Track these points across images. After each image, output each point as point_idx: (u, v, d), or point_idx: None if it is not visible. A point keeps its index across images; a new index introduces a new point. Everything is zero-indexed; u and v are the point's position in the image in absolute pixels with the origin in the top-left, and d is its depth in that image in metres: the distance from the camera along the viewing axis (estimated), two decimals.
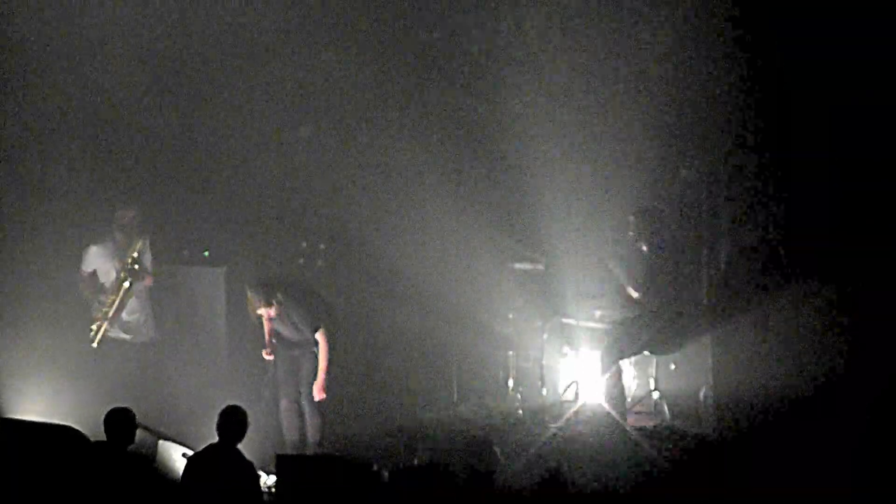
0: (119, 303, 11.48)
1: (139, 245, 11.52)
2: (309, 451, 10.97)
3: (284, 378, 11.19)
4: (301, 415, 11.16)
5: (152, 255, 11.70)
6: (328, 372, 10.99)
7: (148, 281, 11.63)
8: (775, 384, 10.86)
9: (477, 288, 12.79)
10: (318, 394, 10.98)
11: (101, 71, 12.24)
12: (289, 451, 10.93)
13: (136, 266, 11.50)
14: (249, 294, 10.96)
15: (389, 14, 12.67)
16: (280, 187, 12.80)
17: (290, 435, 11.15)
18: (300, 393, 11.13)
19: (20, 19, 12.01)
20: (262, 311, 10.91)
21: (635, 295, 11.56)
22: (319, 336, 10.98)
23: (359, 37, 12.64)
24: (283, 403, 11.20)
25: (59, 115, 12.27)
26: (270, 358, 11.16)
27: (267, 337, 11.17)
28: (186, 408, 11.13)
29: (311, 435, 11.11)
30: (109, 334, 11.49)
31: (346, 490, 9.11)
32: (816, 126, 10.83)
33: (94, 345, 11.42)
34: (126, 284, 11.49)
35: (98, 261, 11.59)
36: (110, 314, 11.47)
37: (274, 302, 10.89)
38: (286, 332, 11.12)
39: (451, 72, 12.79)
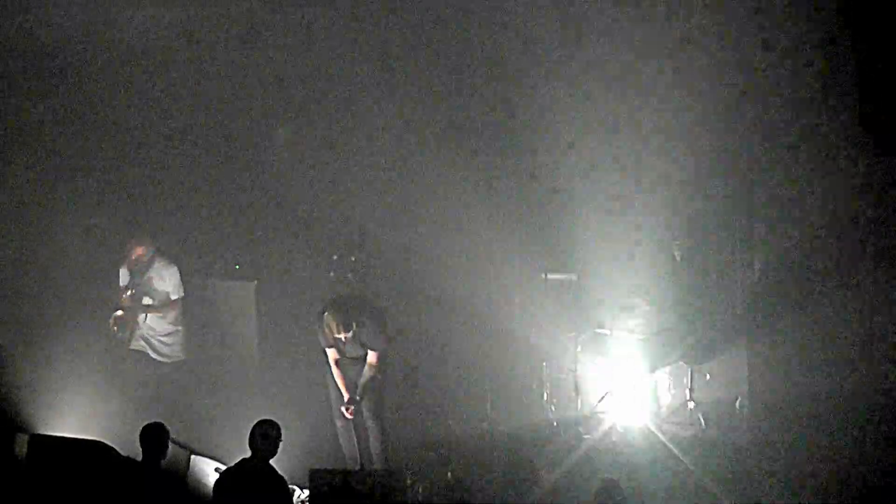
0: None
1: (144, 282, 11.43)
2: (374, 464, 10.90)
3: (339, 395, 11.04)
4: (356, 428, 11.07)
5: (181, 279, 11.61)
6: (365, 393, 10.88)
7: (159, 312, 11.56)
8: (812, 393, 10.76)
9: (510, 299, 12.75)
10: (347, 412, 10.84)
11: (130, 85, 12.34)
12: (349, 464, 10.91)
13: (123, 312, 11.42)
14: (330, 318, 10.66)
15: (426, 25, 12.67)
16: (310, 199, 12.79)
17: (350, 451, 11.04)
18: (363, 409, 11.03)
19: (47, 43, 12.11)
20: (341, 335, 10.67)
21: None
22: (373, 357, 10.85)
23: (392, 48, 12.66)
24: (342, 420, 11.05)
25: (92, 130, 12.36)
26: (351, 417, 10.91)
27: (345, 392, 10.91)
28: (218, 422, 11.11)
29: (375, 446, 11.00)
30: (136, 348, 11.49)
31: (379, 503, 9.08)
32: (851, 127, 10.73)
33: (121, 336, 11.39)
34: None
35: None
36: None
37: (355, 325, 10.69)
38: (349, 352, 10.92)
39: (485, 82, 12.77)
